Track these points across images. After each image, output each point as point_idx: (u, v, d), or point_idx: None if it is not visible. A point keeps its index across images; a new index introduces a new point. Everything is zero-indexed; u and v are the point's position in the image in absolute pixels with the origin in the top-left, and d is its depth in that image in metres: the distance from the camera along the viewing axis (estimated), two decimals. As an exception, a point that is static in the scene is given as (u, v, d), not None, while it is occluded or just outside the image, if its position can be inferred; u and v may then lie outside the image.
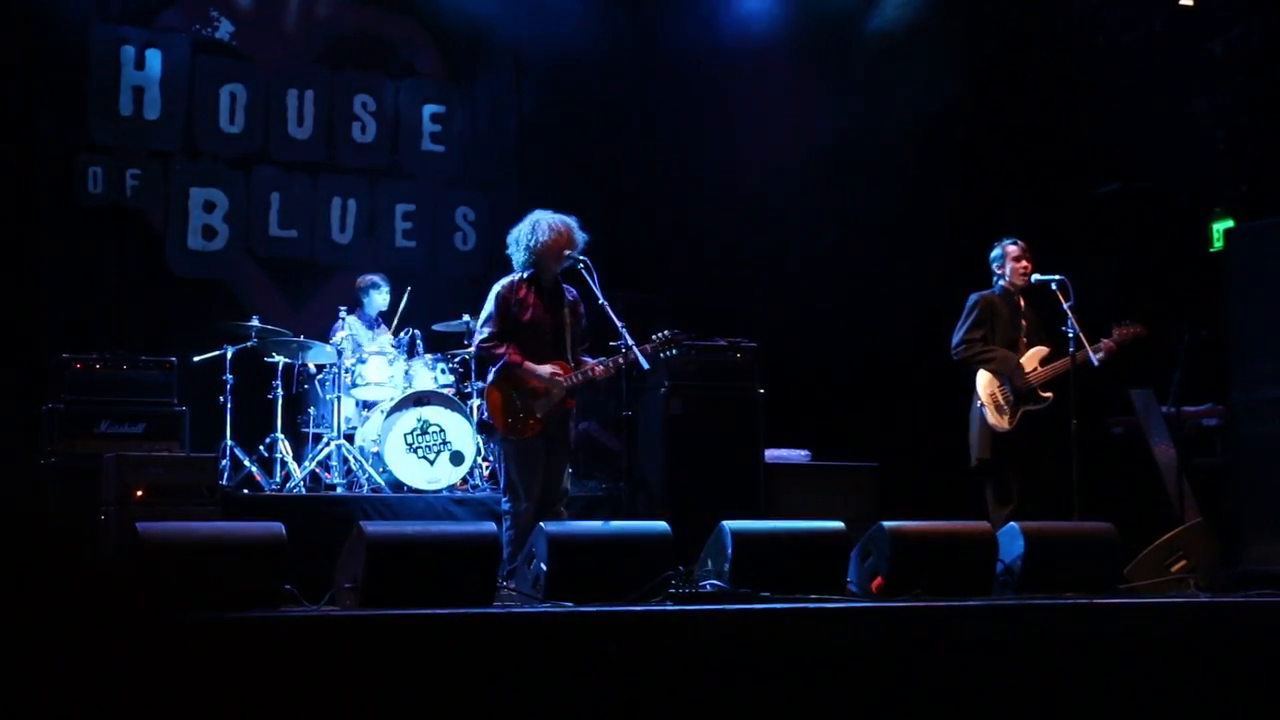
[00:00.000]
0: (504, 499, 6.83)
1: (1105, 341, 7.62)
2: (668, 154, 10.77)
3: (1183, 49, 9.98)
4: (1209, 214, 10.12)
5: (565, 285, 6.91)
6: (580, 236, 6.84)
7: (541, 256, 6.80)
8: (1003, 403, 7.63)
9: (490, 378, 6.86)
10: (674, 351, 6.88)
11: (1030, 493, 7.55)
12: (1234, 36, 9.76)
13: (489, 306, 6.85)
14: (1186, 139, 9.99)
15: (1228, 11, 9.79)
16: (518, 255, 6.88)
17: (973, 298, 7.85)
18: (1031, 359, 7.70)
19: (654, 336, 6.82)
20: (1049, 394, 7.60)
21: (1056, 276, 7.62)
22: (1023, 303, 7.84)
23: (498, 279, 7.01)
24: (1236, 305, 8.15)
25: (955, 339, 7.80)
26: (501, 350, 6.74)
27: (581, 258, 6.79)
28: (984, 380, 7.70)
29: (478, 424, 7.09)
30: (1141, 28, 10.14)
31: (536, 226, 6.83)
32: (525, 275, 6.86)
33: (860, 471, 8.79)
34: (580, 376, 6.75)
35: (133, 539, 5.25)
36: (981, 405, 7.66)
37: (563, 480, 6.87)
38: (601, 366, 6.75)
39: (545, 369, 6.71)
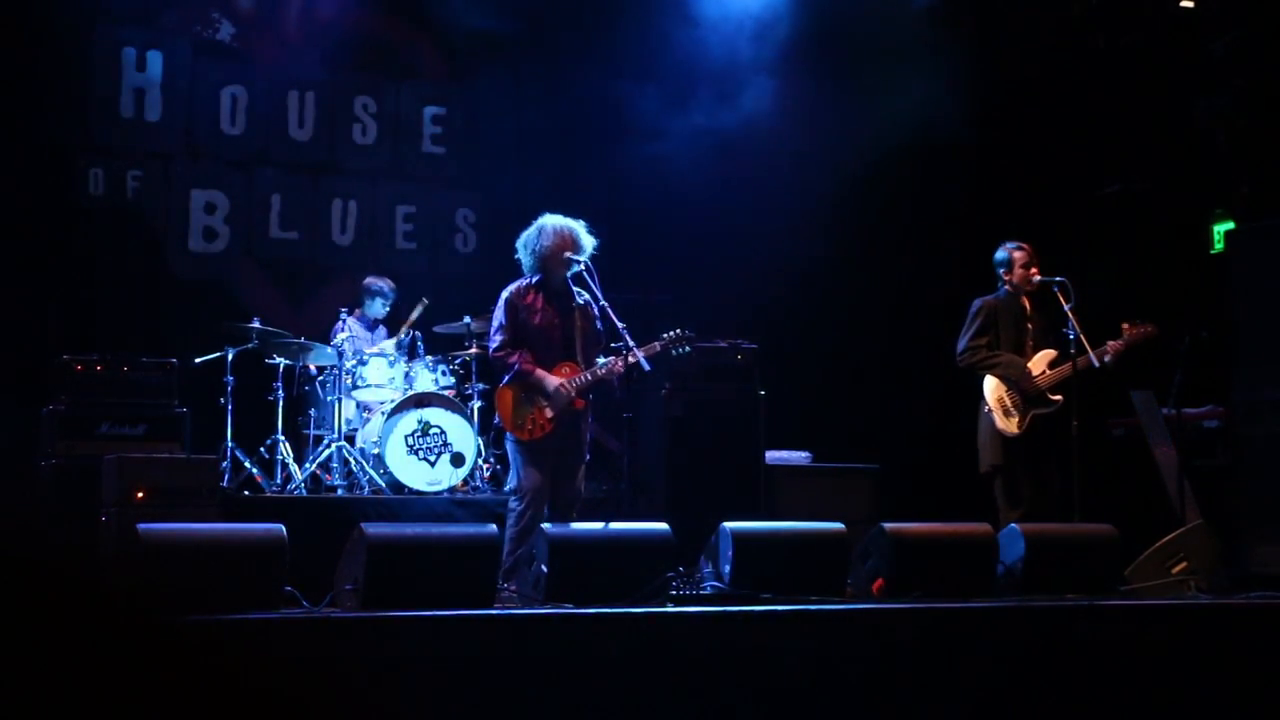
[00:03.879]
0: (512, 498, 6.86)
1: (1113, 343, 7.59)
2: (669, 154, 10.76)
3: (1183, 50, 9.98)
4: (1210, 215, 10.11)
5: (576, 288, 6.92)
6: (586, 241, 6.84)
7: (545, 261, 6.82)
8: (1010, 407, 7.62)
9: (502, 381, 6.90)
10: (686, 349, 6.88)
11: (1040, 496, 7.54)
12: (1234, 38, 9.76)
13: (498, 314, 6.89)
14: (1187, 141, 9.99)
15: (1228, 13, 9.79)
16: (525, 260, 6.90)
17: (976, 303, 7.85)
18: (1039, 362, 7.69)
19: (664, 335, 6.84)
20: (1058, 396, 7.58)
21: (1058, 278, 7.61)
22: (1028, 305, 7.83)
23: (500, 281, 7.04)
24: (1237, 307, 8.15)
25: (960, 345, 7.80)
26: (514, 359, 6.77)
27: (583, 259, 6.80)
28: (991, 385, 7.69)
29: (495, 429, 7.11)
30: (1142, 29, 10.14)
31: (542, 231, 6.86)
32: (533, 280, 6.88)
33: (861, 473, 8.79)
34: (588, 377, 6.78)
35: (133, 540, 5.26)
36: (989, 410, 7.65)
37: (575, 481, 6.87)
38: (605, 368, 6.77)
39: (553, 380, 6.73)
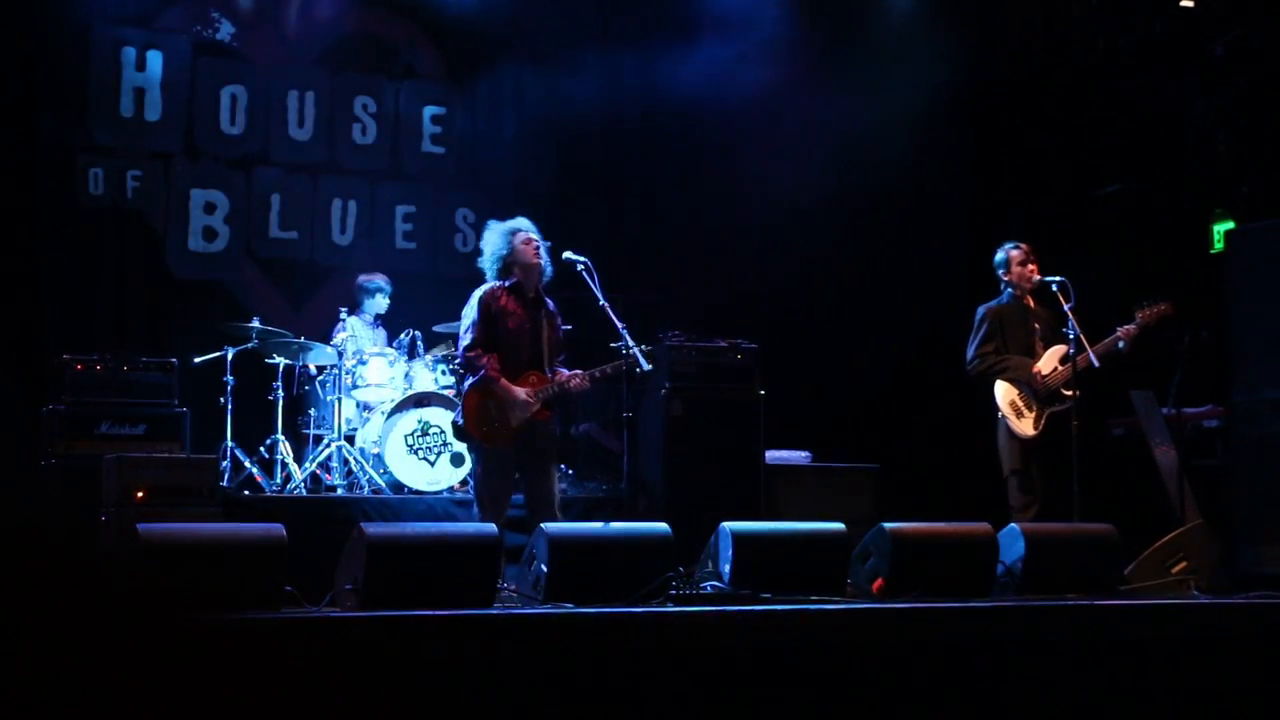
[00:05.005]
0: (474, 505, 6.91)
1: (1124, 328, 7.57)
2: (668, 154, 10.77)
3: (1183, 50, 9.97)
4: (1209, 215, 10.12)
5: (546, 296, 6.96)
6: (536, 236, 6.86)
7: (510, 265, 6.85)
8: (1024, 408, 7.61)
9: (469, 383, 6.88)
10: (648, 367, 6.75)
11: (1053, 494, 7.52)
12: (1234, 38, 9.76)
13: (472, 312, 6.87)
14: (1187, 140, 9.99)
15: (1228, 12, 9.79)
16: (492, 265, 6.91)
17: (980, 311, 7.84)
18: (1051, 358, 7.68)
19: (622, 356, 6.78)
20: (1073, 392, 7.56)
21: (1057, 278, 7.61)
22: (1033, 304, 7.83)
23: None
24: (1237, 306, 8.15)
25: (969, 354, 7.80)
26: (483, 362, 6.76)
27: (582, 259, 6.80)
28: (1002, 390, 7.68)
29: (453, 427, 7.09)
30: (1142, 29, 10.14)
31: (504, 235, 6.89)
32: (508, 284, 6.88)
33: (861, 473, 8.78)
34: (555, 388, 6.80)
35: (133, 540, 5.26)
36: (1003, 416, 7.65)
37: (546, 489, 6.86)
38: (577, 379, 6.80)
39: (519, 393, 6.73)
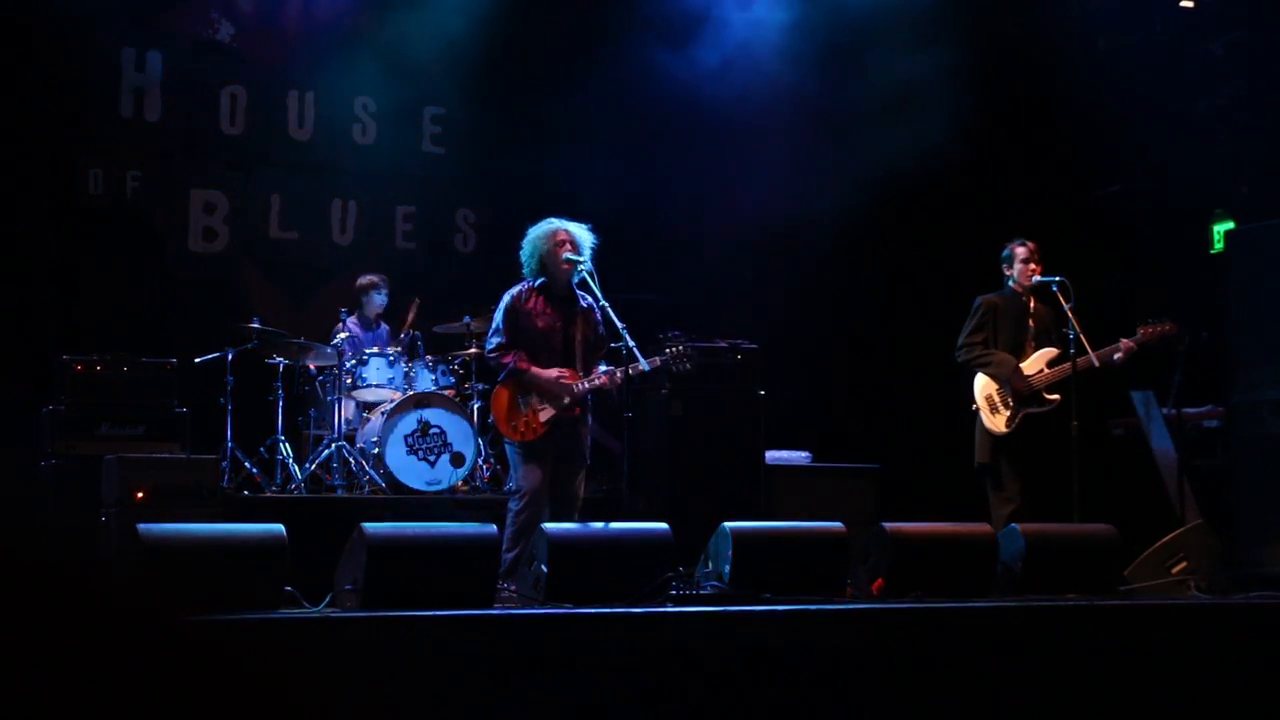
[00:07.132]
0: (511, 499, 6.87)
1: (1125, 341, 7.56)
2: (669, 155, 10.77)
3: (1183, 50, 9.97)
4: (1210, 216, 10.12)
5: (580, 293, 6.91)
6: (586, 241, 6.83)
7: (545, 263, 6.82)
8: (999, 405, 7.61)
9: (498, 381, 6.90)
10: (687, 366, 6.82)
11: (1031, 496, 7.53)
12: (1235, 38, 9.77)
13: (497, 316, 6.88)
14: (1187, 140, 9.99)
15: (1228, 12, 9.80)
16: (526, 262, 6.91)
17: (976, 301, 7.85)
18: (1038, 360, 7.67)
19: (667, 349, 6.78)
20: (1055, 396, 7.56)
21: (1057, 278, 7.61)
22: (1033, 304, 7.82)
23: (500, 281, 7.04)
24: (1237, 307, 8.15)
25: (959, 342, 7.81)
26: (508, 359, 6.75)
27: (582, 260, 6.78)
28: (980, 384, 7.68)
29: (490, 428, 7.10)
30: (1142, 29, 10.14)
31: (541, 233, 6.85)
32: (536, 283, 6.86)
33: (861, 473, 8.79)
34: (587, 384, 6.74)
35: (133, 541, 5.26)
36: (976, 408, 7.66)
37: (574, 486, 6.84)
38: (606, 375, 6.74)
39: (552, 373, 6.71)
